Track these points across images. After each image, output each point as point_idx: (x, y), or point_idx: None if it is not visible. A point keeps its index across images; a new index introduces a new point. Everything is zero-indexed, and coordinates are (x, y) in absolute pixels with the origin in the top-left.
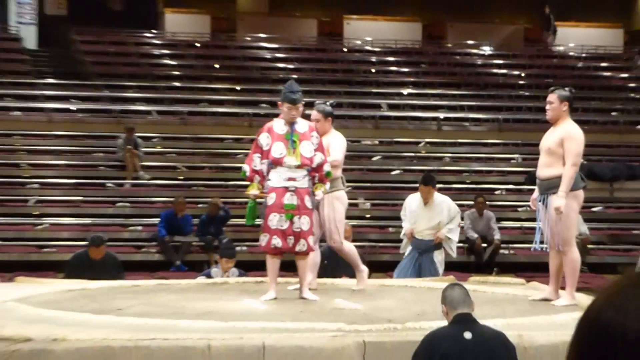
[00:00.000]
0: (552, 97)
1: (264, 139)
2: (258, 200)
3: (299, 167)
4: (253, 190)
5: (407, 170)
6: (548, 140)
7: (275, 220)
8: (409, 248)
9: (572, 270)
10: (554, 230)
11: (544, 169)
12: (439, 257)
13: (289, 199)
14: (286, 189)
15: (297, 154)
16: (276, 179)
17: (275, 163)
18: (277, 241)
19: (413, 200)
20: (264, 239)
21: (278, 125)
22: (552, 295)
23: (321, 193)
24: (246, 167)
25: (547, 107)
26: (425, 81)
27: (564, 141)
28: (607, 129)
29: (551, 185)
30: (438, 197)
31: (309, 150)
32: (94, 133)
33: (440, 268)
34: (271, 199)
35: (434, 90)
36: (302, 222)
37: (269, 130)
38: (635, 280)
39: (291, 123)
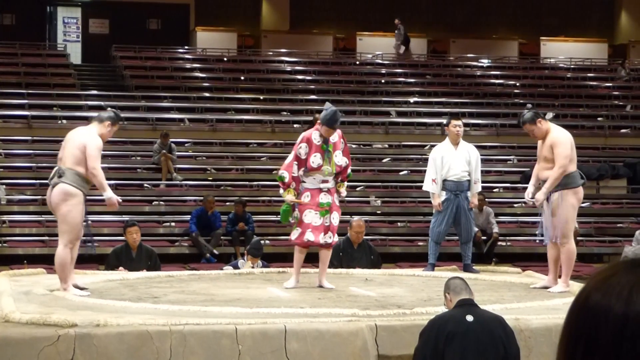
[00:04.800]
0: (528, 127)
1: (303, 148)
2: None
3: (331, 173)
4: (289, 196)
5: (414, 171)
6: (542, 150)
7: (310, 216)
8: (444, 196)
9: (569, 260)
10: (555, 223)
11: (544, 172)
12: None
13: (324, 198)
14: (320, 189)
15: (332, 163)
16: (311, 181)
17: (313, 171)
18: (310, 235)
19: (441, 150)
20: (296, 233)
21: (315, 136)
22: (551, 283)
23: (344, 190)
24: (285, 174)
25: (531, 135)
26: (430, 91)
27: (553, 147)
28: (594, 133)
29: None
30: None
31: (340, 159)
32: (132, 139)
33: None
34: (306, 197)
35: (438, 98)
36: (333, 217)
37: (307, 140)
38: (620, 268)
39: None
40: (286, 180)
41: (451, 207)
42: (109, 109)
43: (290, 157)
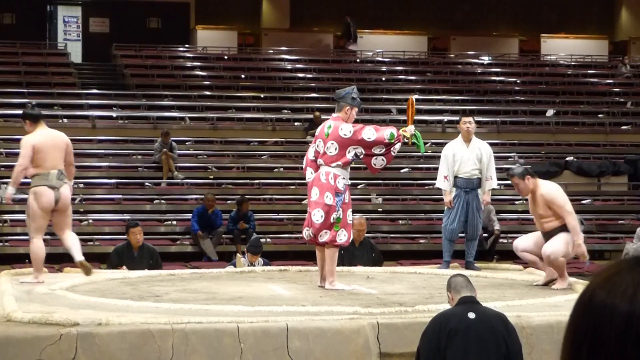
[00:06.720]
0: (514, 180)
1: None
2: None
3: None
4: (409, 127)
5: (415, 168)
6: (535, 208)
7: (350, 216)
8: (454, 193)
9: (559, 268)
10: (547, 249)
11: (544, 225)
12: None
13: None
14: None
15: None
16: (347, 176)
17: (347, 165)
18: (350, 235)
19: (453, 147)
20: (343, 235)
21: None
22: (552, 276)
23: None
24: (389, 130)
25: (516, 189)
26: (431, 88)
27: (548, 203)
28: (594, 130)
29: (554, 233)
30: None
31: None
32: (133, 138)
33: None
34: (347, 196)
35: (439, 96)
36: None
37: None
38: (624, 266)
39: None
40: (394, 131)
41: (461, 204)
42: (30, 105)
43: (370, 127)
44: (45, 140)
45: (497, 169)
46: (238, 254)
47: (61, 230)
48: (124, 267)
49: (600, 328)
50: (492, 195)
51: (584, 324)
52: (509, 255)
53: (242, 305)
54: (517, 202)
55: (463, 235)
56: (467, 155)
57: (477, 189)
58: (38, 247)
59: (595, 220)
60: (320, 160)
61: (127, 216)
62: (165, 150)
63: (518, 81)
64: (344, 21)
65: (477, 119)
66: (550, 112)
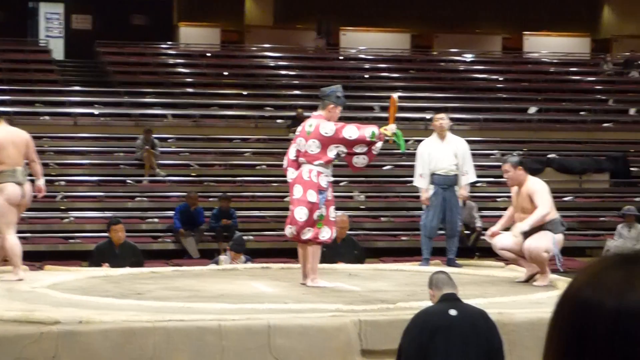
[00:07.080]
0: (506, 167)
1: None
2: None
3: None
4: (390, 126)
5: (398, 166)
6: (520, 202)
7: (333, 213)
8: (432, 190)
9: (541, 263)
10: (528, 245)
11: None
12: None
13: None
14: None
15: None
16: (329, 174)
17: (330, 163)
18: (334, 231)
19: (427, 145)
20: (326, 232)
21: None
22: (532, 270)
23: None
24: (369, 129)
25: (505, 176)
26: (414, 86)
27: (531, 195)
28: (577, 127)
29: (534, 231)
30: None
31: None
32: (115, 135)
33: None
34: (330, 193)
35: (422, 93)
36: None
37: None
38: (610, 262)
39: None
40: (375, 130)
41: (439, 201)
42: None
43: (351, 125)
44: (5, 137)
45: (479, 166)
46: (220, 256)
47: None
48: (106, 264)
49: (587, 326)
50: (474, 192)
51: (570, 322)
52: (491, 253)
53: (225, 302)
54: (499, 200)
55: (443, 232)
56: (442, 152)
57: (454, 186)
58: (13, 243)
59: (576, 217)
60: (302, 159)
61: (108, 213)
62: (147, 147)
63: (501, 78)
64: (316, 18)
65: (459, 116)
66: (532, 110)
